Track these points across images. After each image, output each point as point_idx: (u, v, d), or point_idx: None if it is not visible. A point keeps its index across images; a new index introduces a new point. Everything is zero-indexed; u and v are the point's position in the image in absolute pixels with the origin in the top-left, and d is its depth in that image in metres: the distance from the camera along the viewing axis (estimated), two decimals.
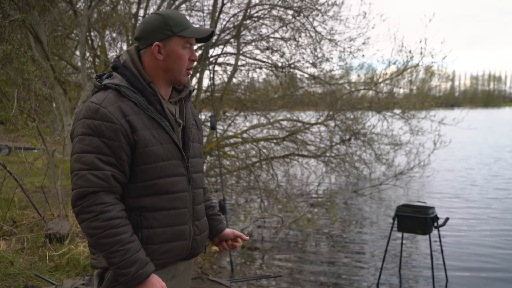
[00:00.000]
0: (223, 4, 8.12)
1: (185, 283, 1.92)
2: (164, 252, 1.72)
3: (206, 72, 8.32)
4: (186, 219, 1.77)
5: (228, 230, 2.05)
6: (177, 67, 1.74)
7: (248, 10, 8.13)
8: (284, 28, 8.34)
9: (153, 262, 1.67)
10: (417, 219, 4.65)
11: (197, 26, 1.72)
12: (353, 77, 11.08)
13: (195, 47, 1.83)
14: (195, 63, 1.89)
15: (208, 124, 8.17)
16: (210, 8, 8.27)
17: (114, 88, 1.67)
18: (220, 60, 8.95)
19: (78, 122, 1.64)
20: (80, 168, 1.60)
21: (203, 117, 8.83)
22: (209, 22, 8.02)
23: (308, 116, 10.29)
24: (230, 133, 9.13)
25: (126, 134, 1.62)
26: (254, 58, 8.95)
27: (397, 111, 10.24)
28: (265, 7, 8.23)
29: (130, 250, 1.59)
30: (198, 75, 8.24)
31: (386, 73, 9.77)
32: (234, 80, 9.16)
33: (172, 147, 1.72)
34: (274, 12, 8.26)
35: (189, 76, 1.80)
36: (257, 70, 9.13)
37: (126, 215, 1.64)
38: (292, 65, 8.80)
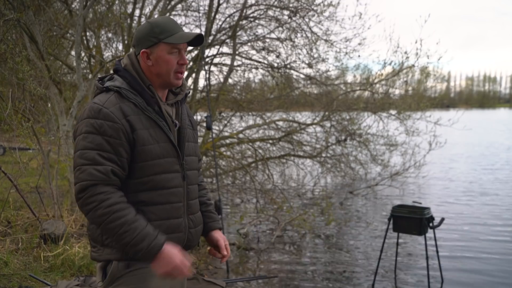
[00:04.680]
0: (219, 4, 8.12)
1: None
2: None
3: (202, 73, 8.32)
4: (181, 213, 1.87)
5: (215, 235, 2.05)
6: (165, 72, 1.83)
7: (244, 11, 8.14)
8: (280, 28, 8.36)
9: None
10: (412, 220, 4.66)
11: (187, 31, 1.82)
12: (349, 78, 11.10)
13: (190, 48, 1.89)
14: (188, 66, 1.95)
15: (204, 124, 8.15)
16: (206, 8, 8.27)
17: (115, 90, 1.79)
18: (216, 60, 8.96)
19: (81, 121, 1.75)
20: (83, 163, 1.70)
21: (198, 117, 8.81)
22: (205, 22, 8.01)
23: (304, 116, 10.29)
24: (226, 134, 9.12)
25: (126, 133, 1.73)
26: (250, 59, 8.96)
27: (393, 111, 10.26)
28: (261, 7, 8.24)
29: (138, 228, 1.68)
30: (194, 75, 8.24)
31: (382, 74, 9.79)
32: (230, 80, 9.18)
33: (169, 146, 1.82)
34: (270, 12, 8.28)
35: (180, 79, 1.88)
36: (253, 70, 9.16)
37: (126, 199, 1.72)
38: (288, 66, 8.81)
